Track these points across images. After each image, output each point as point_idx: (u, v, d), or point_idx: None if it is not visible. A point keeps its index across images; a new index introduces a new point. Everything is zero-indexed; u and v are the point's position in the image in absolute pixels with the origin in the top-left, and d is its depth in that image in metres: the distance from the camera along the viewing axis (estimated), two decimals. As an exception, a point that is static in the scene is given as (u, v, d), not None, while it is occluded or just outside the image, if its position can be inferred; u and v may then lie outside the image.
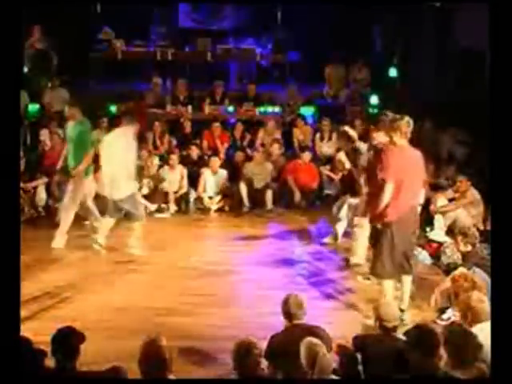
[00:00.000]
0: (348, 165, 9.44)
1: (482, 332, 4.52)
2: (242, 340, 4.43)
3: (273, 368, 4.77)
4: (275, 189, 10.86)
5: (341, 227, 9.08)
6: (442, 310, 6.54)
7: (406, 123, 6.37)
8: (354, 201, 9.07)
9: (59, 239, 8.69)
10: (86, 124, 8.82)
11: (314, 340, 4.41)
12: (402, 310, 6.27)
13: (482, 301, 4.93)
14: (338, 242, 9.06)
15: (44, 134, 11.57)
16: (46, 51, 13.09)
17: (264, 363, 4.51)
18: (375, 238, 6.61)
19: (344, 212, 9.00)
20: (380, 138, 6.98)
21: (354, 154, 8.17)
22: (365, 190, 7.36)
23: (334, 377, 4.45)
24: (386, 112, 7.04)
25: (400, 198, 6.25)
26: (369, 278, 7.29)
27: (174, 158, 10.90)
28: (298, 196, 10.88)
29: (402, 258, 6.47)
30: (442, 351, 4.48)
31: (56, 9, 12.73)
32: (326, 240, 9.11)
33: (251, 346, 4.34)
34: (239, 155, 11.58)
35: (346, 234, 9.21)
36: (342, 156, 9.59)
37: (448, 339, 4.34)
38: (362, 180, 8.24)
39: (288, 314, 5.11)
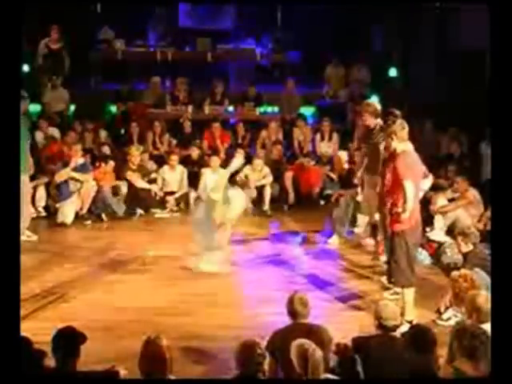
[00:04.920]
0: (346, 164, 9.49)
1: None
2: (246, 340, 4.44)
3: (274, 363, 4.78)
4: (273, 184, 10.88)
5: (344, 227, 9.09)
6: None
7: (400, 126, 6.28)
8: (353, 198, 9.11)
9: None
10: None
11: (303, 340, 4.42)
12: (409, 322, 6.20)
13: (489, 301, 4.92)
14: (342, 242, 9.08)
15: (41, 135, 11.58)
16: (60, 52, 13.08)
17: (266, 363, 4.51)
18: (390, 250, 6.53)
19: (345, 211, 9.03)
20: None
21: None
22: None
23: (332, 376, 4.46)
24: (393, 112, 6.77)
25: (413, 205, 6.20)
26: (397, 293, 6.90)
27: (174, 158, 10.90)
28: (291, 197, 10.87)
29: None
30: (441, 351, 4.50)
31: (56, 9, 12.73)
32: (331, 240, 9.10)
33: (255, 347, 4.34)
34: (238, 153, 11.55)
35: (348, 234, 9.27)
36: (341, 155, 9.62)
37: (459, 330, 4.33)
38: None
39: (292, 313, 5.11)
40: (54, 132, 11.63)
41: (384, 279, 7.42)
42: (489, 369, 4.16)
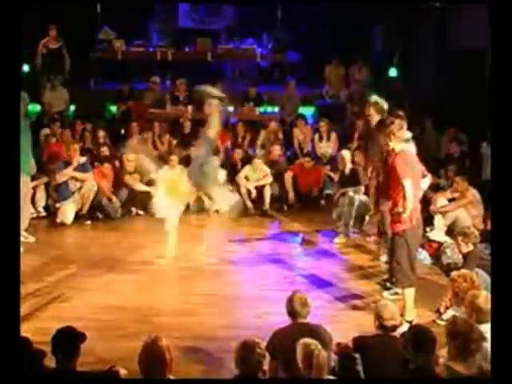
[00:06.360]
0: (350, 163, 9.49)
1: (487, 333, 4.51)
2: (246, 340, 4.44)
3: (274, 363, 4.79)
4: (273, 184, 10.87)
5: (348, 227, 9.07)
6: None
7: (398, 126, 6.32)
8: (357, 196, 9.10)
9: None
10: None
11: (309, 340, 4.43)
12: (409, 322, 6.22)
13: (488, 301, 4.92)
14: (349, 240, 9.08)
15: (45, 134, 11.57)
16: (59, 51, 13.06)
17: (266, 363, 4.51)
18: (391, 250, 6.57)
19: (348, 210, 9.02)
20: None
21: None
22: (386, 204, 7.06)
23: (332, 377, 4.46)
24: (397, 113, 6.76)
25: (413, 204, 6.23)
26: (397, 293, 6.98)
27: (174, 158, 10.88)
28: (291, 196, 10.87)
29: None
30: (440, 351, 4.50)
31: (56, 9, 12.73)
32: (337, 240, 9.10)
33: (255, 346, 4.35)
34: (237, 153, 11.58)
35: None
36: (345, 154, 9.62)
37: (452, 330, 4.34)
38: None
39: (292, 313, 5.11)
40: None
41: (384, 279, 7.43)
42: (486, 367, 4.18)
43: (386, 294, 7.13)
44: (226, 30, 15.10)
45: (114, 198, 10.17)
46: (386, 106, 7.81)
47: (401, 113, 6.62)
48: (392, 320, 4.97)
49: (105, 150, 10.91)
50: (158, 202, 8.65)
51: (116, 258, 8.38)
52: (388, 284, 7.25)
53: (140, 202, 10.39)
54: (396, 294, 6.97)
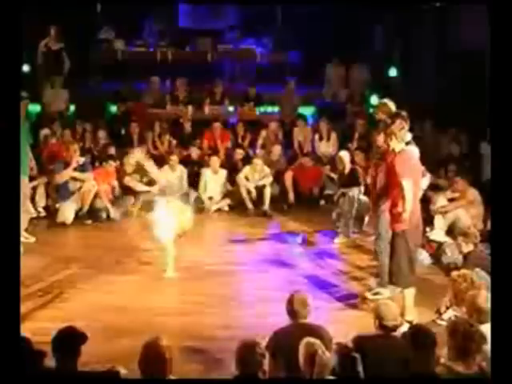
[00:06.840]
0: (348, 164, 9.48)
1: (487, 333, 4.51)
2: (246, 340, 4.44)
3: (274, 363, 4.78)
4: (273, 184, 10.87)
5: (348, 227, 9.07)
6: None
7: (399, 126, 6.33)
8: (357, 196, 9.10)
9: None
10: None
11: (313, 339, 4.42)
12: (410, 322, 6.21)
13: (488, 301, 4.92)
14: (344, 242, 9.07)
15: (45, 134, 11.57)
16: (60, 52, 13.05)
17: (266, 363, 4.51)
18: (391, 250, 6.55)
19: (348, 211, 9.02)
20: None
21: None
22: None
23: (332, 377, 4.46)
24: (400, 113, 6.75)
25: (412, 204, 6.22)
26: (378, 293, 6.97)
27: (174, 158, 10.89)
28: (291, 196, 10.88)
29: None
30: (440, 351, 4.50)
31: (56, 9, 12.74)
32: (337, 240, 9.09)
33: (255, 347, 4.34)
34: (238, 153, 11.58)
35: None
36: (343, 155, 9.62)
37: (452, 330, 4.35)
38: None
39: (292, 312, 5.11)
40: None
41: (372, 280, 7.40)
42: (486, 368, 4.17)
43: (367, 294, 7.09)
44: (226, 30, 15.12)
45: (111, 209, 10.11)
46: (393, 107, 7.73)
47: (404, 113, 6.62)
48: (392, 320, 4.96)
49: (112, 151, 10.92)
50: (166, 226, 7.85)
51: (116, 258, 8.38)
52: (374, 284, 7.21)
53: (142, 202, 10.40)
54: (377, 294, 6.96)
